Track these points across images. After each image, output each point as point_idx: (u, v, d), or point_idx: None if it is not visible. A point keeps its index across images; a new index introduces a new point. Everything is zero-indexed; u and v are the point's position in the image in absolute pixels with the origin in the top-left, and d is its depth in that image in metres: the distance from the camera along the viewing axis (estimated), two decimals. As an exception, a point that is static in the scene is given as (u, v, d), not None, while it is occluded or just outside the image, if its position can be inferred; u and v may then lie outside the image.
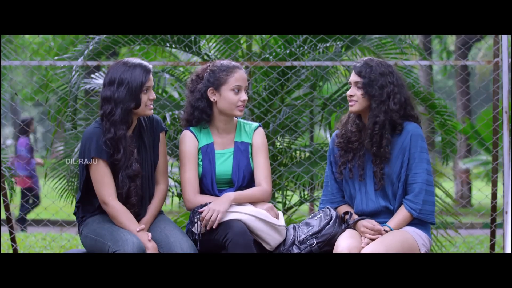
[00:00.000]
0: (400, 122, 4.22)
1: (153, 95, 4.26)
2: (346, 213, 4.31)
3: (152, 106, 4.27)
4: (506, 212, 5.77)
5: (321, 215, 4.30)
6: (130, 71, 4.20)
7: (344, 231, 4.23)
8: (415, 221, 4.23)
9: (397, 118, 4.19)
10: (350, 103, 4.26)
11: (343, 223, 4.29)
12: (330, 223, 4.23)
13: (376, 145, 4.19)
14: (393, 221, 4.19)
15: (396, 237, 4.11)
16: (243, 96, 4.36)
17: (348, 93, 4.25)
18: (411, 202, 4.18)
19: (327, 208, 4.34)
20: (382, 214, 4.26)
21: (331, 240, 4.18)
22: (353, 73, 4.27)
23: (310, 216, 4.37)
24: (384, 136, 4.19)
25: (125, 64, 4.24)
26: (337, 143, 4.35)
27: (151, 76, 4.24)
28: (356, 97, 4.23)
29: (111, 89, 4.19)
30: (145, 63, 4.26)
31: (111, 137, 4.17)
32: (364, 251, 4.01)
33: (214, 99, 4.37)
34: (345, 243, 4.08)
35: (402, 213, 4.20)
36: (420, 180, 4.18)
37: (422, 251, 4.17)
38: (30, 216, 7.72)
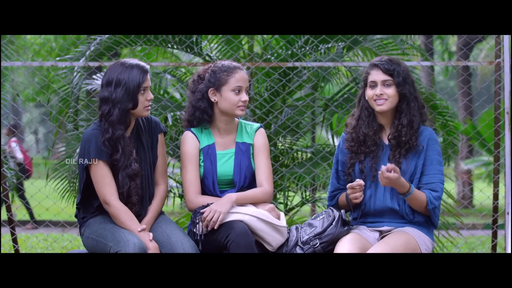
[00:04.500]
0: (422, 120, 4.27)
1: (150, 95, 4.26)
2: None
3: (149, 107, 4.28)
4: (508, 213, 5.77)
5: (323, 215, 4.30)
6: (127, 71, 4.21)
7: (347, 232, 4.22)
8: (418, 223, 4.23)
9: (423, 116, 4.26)
10: (378, 102, 4.22)
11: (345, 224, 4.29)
12: (333, 223, 4.22)
13: (407, 137, 4.19)
14: (416, 190, 4.18)
15: (401, 239, 4.11)
16: (244, 96, 4.36)
17: (377, 92, 4.20)
18: (432, 197, 4.19)
19: (330, 209, 4.33)
20: (387, 215, 4.25)
21: (334, 240, 4.17)
22: (377, 72, 4.23)
23: (313, 217, 4.37)
24: (412, 132, 4.22)
25: (122, 64, 4.25)
26: (348, 146, 4.33)
27: (148, 76, 4.25)
28: (386, 96, 4.20)
29: (109, 89, 4.20)
30: (142, 63, 4.27)
31: (109, 137, 4.18)
32: (369, 252, 4.01)
33: (214, 100, 4.37)
34: (344, 249, 4.07)
35: (422, 194, 4.19)
36: (439, 180, 4.22)
37: (425, 254, 4.17)
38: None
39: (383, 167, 4.05)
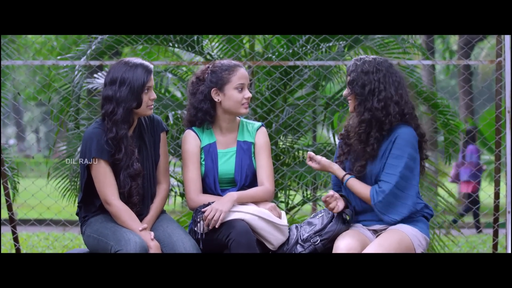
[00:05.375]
0: (385, 120, 4.15)
1: (153, 95, 4.26)
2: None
3: (152, 106, 4.28)
4: (509, 212, 5.77)
5: (322, 214, 4.30)
6: (131, 70, 4.20)
7: (347, 229, 4.22)
8: (411, 219, 4.20)
9: (381, 116, 4.14)
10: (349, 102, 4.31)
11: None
12: (333, 220, 4.22)
13: (363, 144, 4.18)
14: (357, 181, 4.19)
15: (394, 238, 4.10)
16: (247, 93, 4.36)
17: (344, 92, 4.29)
18: (376, 193, 4.12)
19: (330, 207, 4.34)
20: (375, 212, 4.24)
21: (335, 237, 4.17)
22: None
23: (312, 216, 4.37)
24: (371, 134, 4.17)
25: (126, 63, 4.24)
26: (340, 134, 4.36)
27: (152, 76, 4.25)
28: (350, 97, 4.25)
29: (113, 88, 4.19)
30: (146, 63, 4.26)
31: (113, 136, 4.17)
32: (364, 252, 4.00)
33: (218, 99, 4.37)
34: (344, 244, 4.06)
35: (365, 188, 4.17)
36: (391, 181, 4.11)
37: (418, 251, 4.15)
38: (33, 215, 7.72)
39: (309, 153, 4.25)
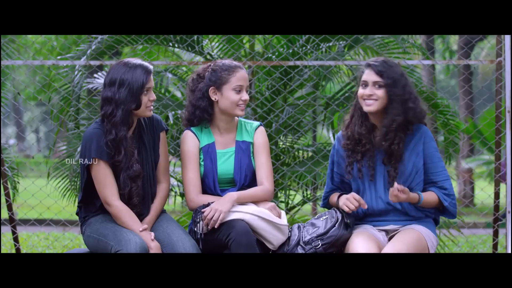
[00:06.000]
0: (414, 121, 4.23)
1: (153, 96, 4.25)
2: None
3: (152, 107, 4.27)
4: (509, 212, 5.77)
5: (327, 216, 4.29)
6: (131, 72, 4.19)
7: (350, 234, 4.21)
8: (422, 219, 4.23)
9: (412, 117, 4.20)
10: (367, 102, 4.21)
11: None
12: (336, 225, 4.21)
13: (389, 142, 4.18)
14: (423, 194, 4.21)
15: (413, 237, 4.13)
16: (244, 95, 4.36)
17: (367, 92, 4.20)
18: (446, 195, 4.22)
19: (334, 209, 4.33)
20: (392, 213, 4.26)
21: (336, 242, 4.17)
22: (370, 72, 4.22)
23: (316, 217, 4.36)
24: (398, 134, 4.19)
25: (126, 64, 4.23)
26: (344, 144, 4.33)
27: (151, 77, 4.23)
28: (376, 96, 4.19)
29: (112, 89, 4.18)
30: (146, 64, 4.25)
31: (112, 138, 4.16)
32: (386, 249, 4.02)
33: (215, 98, 4.37)
34: (363, 247, 4.05)
35: (432, 196, 4.22)
36: (444, 178, 4.24)
37: (432, 251, 4.19)
38: (33, 215, 7.72)
39: (395, 186, 4.07)
